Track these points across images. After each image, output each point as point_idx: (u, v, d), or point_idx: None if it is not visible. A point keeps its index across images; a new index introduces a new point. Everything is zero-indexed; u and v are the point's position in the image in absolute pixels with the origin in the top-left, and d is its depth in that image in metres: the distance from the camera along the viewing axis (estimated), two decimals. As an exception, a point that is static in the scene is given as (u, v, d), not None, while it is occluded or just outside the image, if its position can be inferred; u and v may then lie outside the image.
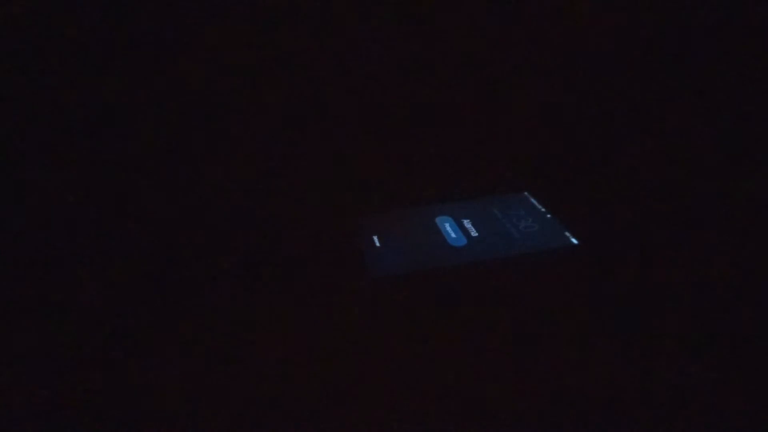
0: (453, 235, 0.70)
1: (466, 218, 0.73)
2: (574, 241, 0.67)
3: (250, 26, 0.70)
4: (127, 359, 0.55)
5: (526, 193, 0.79)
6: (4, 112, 0.67)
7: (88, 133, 0.71)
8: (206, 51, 0.71)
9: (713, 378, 0.51)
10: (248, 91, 0.74)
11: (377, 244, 0.69)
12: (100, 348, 0.56)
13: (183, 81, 0.71)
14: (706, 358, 0.53)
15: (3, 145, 0.67)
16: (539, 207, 0.75)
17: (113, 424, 0.49)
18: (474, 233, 0.70)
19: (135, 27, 0.68)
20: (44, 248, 0.67)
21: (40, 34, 0.65)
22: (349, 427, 0.48)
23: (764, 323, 0.56)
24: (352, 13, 0.71)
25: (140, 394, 0.51)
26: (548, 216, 0.73)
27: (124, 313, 0.60)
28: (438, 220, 0.73)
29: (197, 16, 0.68)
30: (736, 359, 0.53)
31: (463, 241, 0.68)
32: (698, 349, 0.53)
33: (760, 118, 0.73)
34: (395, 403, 0.50)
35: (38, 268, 0.65)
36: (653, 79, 0.76)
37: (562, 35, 0.76)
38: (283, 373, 0.53)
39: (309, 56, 0.72)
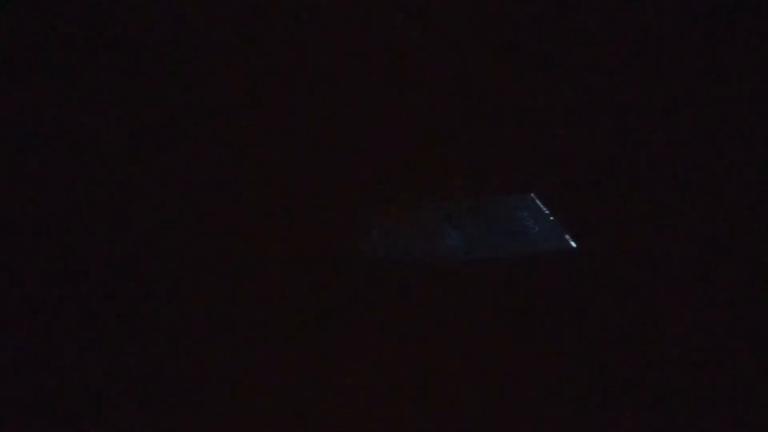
0: (452, 232, 0.70)
1: (468, 216, 0.74)
2: (573, 244, 0.67)
3: (253, 22, 0.72)
4: (126, 354, 0.57)
5: (532, 195, 0.79)
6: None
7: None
8: (207, 47, 0.73)
9: (710, 380, 0.50)
10: (254, 86, 0.76)
11: (376, 236, 0.70)
12: (99, 347, 0.58)
13: (184, 77, 0.74)
14: (704, 361, 0.52)
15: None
16: (543, 209, 0.75)
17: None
18: (473, 232, 0.70)
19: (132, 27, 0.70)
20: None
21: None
22: (341, 415, 0.49)
23: (764, 328, 0.55)
24: (357, 11, 0.72)
25: (138, 390, 0.53)
26: (551, 219, 0.73)
27: (125, 302, 0.63)
28: (441, 217, 0.74)
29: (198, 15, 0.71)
30: (735, 363, 0.52)
31: (461, 239, 0.69)
32: (695, 353, 0.53)
33: (763, 123, 0.71)
34: (387, 390, 0.51)
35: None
36: (662, 85, 0.74)
37: (574, 37, 0.75)
38: (279, 361, 0.55)
39: (316, 53, 0.74)
